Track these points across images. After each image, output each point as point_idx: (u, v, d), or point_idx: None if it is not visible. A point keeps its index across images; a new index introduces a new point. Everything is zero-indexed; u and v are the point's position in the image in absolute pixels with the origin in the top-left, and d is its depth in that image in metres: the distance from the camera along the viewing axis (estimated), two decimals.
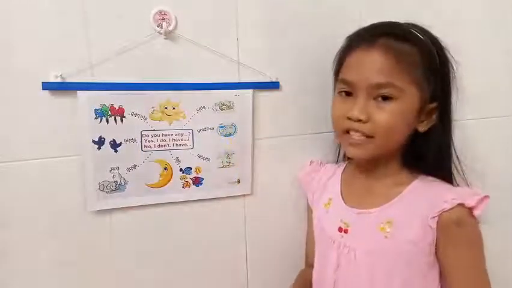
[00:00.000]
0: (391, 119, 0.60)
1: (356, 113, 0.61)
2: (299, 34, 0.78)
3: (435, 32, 0.64)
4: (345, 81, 0.64)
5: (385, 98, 0.60)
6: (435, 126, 0.64)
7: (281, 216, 0.84)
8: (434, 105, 0.62)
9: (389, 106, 0.60)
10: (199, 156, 0.75)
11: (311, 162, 0.81)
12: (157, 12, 0.68)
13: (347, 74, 0.64)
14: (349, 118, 0.62)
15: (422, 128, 0.63)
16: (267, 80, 0.77)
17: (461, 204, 0.58)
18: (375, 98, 0.61)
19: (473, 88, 0.88)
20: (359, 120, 0.61)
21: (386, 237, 0.62)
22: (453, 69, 0.65)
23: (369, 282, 0.64)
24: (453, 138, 0.68)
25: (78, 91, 0.66)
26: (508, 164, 1.00)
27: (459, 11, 0.88)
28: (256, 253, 0.83)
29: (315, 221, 0.77)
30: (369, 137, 0.61)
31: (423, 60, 0.60)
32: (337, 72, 0.70)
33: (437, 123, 0.63)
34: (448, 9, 0.86)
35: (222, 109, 0.75)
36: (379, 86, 0.60)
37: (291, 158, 0.82)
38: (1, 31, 0.62)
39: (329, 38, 0.72)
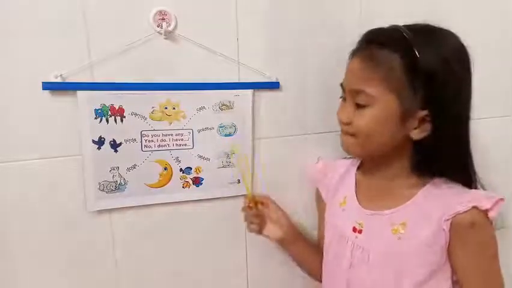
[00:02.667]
0: (366, 124, 0.62)
1: (340, 116, 0.66)
2: (299, 34, 0.78)
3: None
4: (341, 86, 0.67)
5: (361, 104, 0.62)
6: (431, 135, 0.60)
7: None
8: (425, 112, 0.59)
9: (365, 112, 0.62)
10: (199, 156, 0.75)
11: (319, 158, 0.82)
12: (157, 12, 0.68)
13: (343, 79, 0.67)
14: (339, 120, 0.67)
15: (414, 135, 0.61)
16: (267, 80, 0.77)
17: (475, 207, 0.58)
18: (356, 103, 0.63)
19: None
20: (345, 123, 0.65)
21: (399, 238, 0.62)
22: (458, 77, 0.60)
23: (381, 283, 0.64)
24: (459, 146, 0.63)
25: (78, 91, 0.66)
26: (506, 164, 1.00)
27: (458, 10, 0.88)
28: (256, 253, 0.83)
29: (328, 218, 0.76)
30: (354, 136, 0.65)
31: (405, 66, 0.58)
32: None
33: (434, 131, 0.60)
34: (447, 7, 0.86)
35: (221, 109, 0.75)
36: (354, 92, 0.63)
37: (291, 158, 0.82)
38: (1, 31, 0.62)
39: (329, 38, 0.72)
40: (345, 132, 0.66)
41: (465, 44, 0.62)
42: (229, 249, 0.82)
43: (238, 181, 0.79)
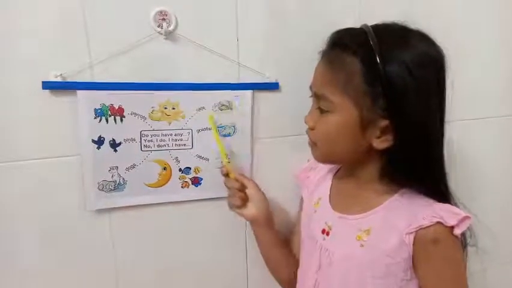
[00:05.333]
0: (326, 130, 0.61)
1: (307, 119, 0.65)
2: (299, 35, 0.78)
3: (427, 30, 0.60)
4: (310, 89, 0.66)
5: (323, 109, 0.61)
6: (399, 144, 0.57)
7: (281, 216, 0.84)
8: (386, 122, 0.56)
9: (326, 117, 0.61)
10: (198, 156, 0.75)
11: (309, 160, 0.81)
12: (157, 12, 0.68)
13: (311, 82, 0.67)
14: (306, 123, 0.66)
15: (376, 144, 0.58)
16: (267, 80, 0.77)
17: (440, 223, 0.56)
18: (319, 108, 0.62)
19: (466, 88, 0.88)
20: (311, 128, 0.64)
21: (361, 245, 0.62)
22: (422, 84, 0.55)
23: None
24: (438, 153, 0.61)
25: (78, 90, 0.66)
26: (506, 164, 1.00)
27: (456, 11, 0.88)
28: (256, 253, 0.83)
29: (304, 218, 0.77)
30: (314, 143, 0.65)
31: (365, 72, 0.55)
32: None
33: (397, 141, 0.57)
34: (444, 8, 0.86)
35: (221, 109, 0.75)
36: (317, 96, 0.63)
37: (291, 158, 0.82)
38: (1, 31, 0.62)
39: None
40: (309, 139, 0.66)
41: (440, 49, 0.59)
42: (229, 249, 0.82)
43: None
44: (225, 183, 0.76)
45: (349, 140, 0.60)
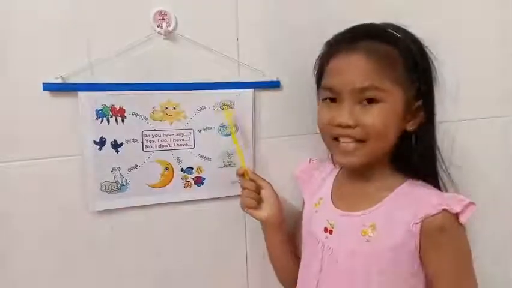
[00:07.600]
0: (379, 121, 0.59)
1: (344, 119, 0.60)
2: (299, 34, 0.78)
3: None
4: (328, 88, 0.63)
5: (370, 101, 0.60)
6: (422, 125, 0.63)
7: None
8: (419, 103, 0.62)
9: (376, 109, 0.60)
10: (200, 156, 0.75)
11: (310, 160, 0.81)
12: (157, 12, 0.68)
13: (330, 80, 0.64)
14: (338, 125, 0.62)
15: (410, 127, 0.63)
16: (268, 79, 0.77)
17: (445, 210, 0.57)
18: (360, 102, 0.60)
19: (466, 88, 0.88)
20: (348, 127, 0.60)
21: (368, 241, 0.62)
22: (434, 66, 0.64)
23: (349, 286, 0.63)
24: (437, 139, 0.66)
25: (79, 92, 0.66)
26: (506, 165, 1.00)
27: (457, 11, 0.88)
28: (257, 253, 0.83)
29: (304, 219, 0.76)
30: (361, 141, 0.61)
31: (404, 59, 0.60)
32: (319, 80, 0.69)
33: (424, 121, 0.63)
34: (445, 8, 0.86)
35: (222, 109, 0.75)
36: (363, 89, 0.59)
37: (292, 157, 0.82)
38: (1, 32, 0.62)
39: (330, 37, 0.71)
40: (346, 140, 0.61)
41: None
42: (230, 249, 0.82)
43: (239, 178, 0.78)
44: (240, 184, 0.76)
45: (396, 127, 0.62)
